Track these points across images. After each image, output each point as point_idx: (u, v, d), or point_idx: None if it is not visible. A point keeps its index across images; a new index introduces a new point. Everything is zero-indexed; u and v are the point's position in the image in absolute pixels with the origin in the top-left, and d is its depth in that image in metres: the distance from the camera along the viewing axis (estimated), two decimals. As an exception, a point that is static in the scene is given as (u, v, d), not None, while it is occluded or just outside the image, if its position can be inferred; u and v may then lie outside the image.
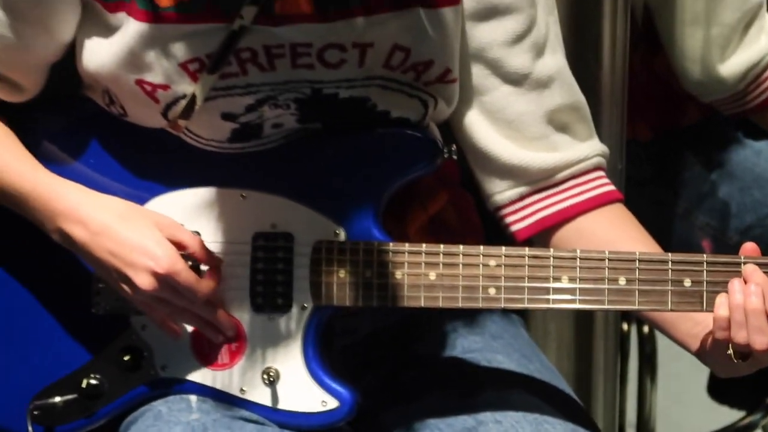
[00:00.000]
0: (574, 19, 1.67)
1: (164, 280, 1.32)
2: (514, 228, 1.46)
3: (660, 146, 1.93)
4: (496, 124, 1.43)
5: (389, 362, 1.50)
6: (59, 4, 1.34)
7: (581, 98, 1.46)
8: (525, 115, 1.42)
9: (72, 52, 1.40)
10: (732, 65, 1.77)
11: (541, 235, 1.46)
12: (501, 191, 1.45)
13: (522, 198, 1.45)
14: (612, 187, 1.46)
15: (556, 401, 1.44)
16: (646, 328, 2.07)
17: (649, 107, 1.90)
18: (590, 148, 1.45)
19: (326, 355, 1.41)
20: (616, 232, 1.43)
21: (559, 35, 1.45)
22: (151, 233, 1.34)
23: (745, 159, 1.92)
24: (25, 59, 1.39)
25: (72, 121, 1.46)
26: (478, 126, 1.43)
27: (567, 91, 1.44)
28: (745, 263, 1.31)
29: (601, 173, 1.46)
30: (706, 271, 1.32)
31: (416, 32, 1.35)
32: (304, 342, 1.39)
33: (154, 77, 1.34)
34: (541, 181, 1.44)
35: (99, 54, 1.36)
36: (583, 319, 1.83)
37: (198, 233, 1.39)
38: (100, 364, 1.42)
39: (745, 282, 1.30)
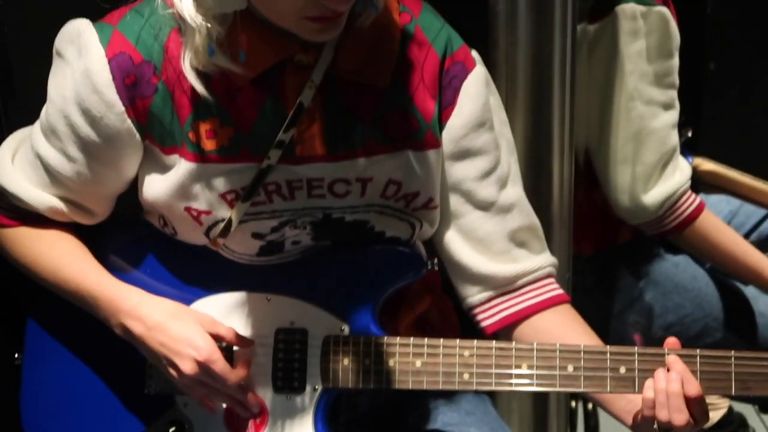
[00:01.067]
0: (531, 159, 1.67)
1: (204, 367, 1.31)
2: (484, 324, 1.45)
3: (600, 260, 1.92)
4: (469, 241, 1.42)
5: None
6: (127, 148, 1.34)
7: (536, 220, 1.47)
8: (492, 235, 1.42)
9: (135, 185, 1.40)
10: (653, 196, 1.77)
11: (505, 330, 1.45)
12: (473, 295, 1.45)
13: (489, 300, 1.44)
14: (561, 291, 1.46)
15: None
16: (590, 405, 2.02)
17: (590, 229, 1.89)
18: (543, 260, 1.45)
19: (333, 428, 1.39)
20: (565, 327, 1.42)
21: (518, 171, 1.46)
22: (195, 329, 1.32)
23: (667, 270, 1.91)
24: (97, 191, 1.39)
25: (134, 239, 1.46)
26: (455, 243, 1.43)
27: (525, 215, 1.45)
28: (668, 354, 1.30)
29: (552, 280, 1.46)
30: (638, 360, 1.31)
31: (406, 169, 1.36)
32: (315, 417, 1.37)
33: (199, 205, 1.34)
34: (504, 286, 1.44)
35: (156, 187, 1.36)
36: (540, 398, 1.81)
37: (232, 328, 1.37)
38: None
39: (668, 370, 1.29)
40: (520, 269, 1.43)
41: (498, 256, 1.43)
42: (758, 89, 2.62)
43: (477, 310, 1.46)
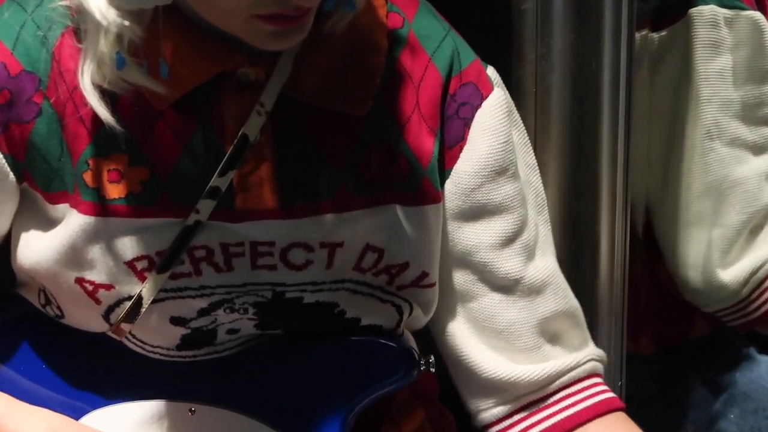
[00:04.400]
0: (569, 221, 1.67)
1: None
2: None
3: (664, 362, 1.94)
4: (482, 334, 1.43)
5: None
6: None
7: (575, 303, 1.47)
8: (516, 325, 1.42)
9: (6, 245, 1.39)
10: (735, 271, 1.79)
11: None
12: (487, 408, 1.44)
13: (510, 415, 1.44)
14: (611, 395, 1.45)
15: None
16: None
17: (652, 318, 1.91)
18: (583, 353, 1.46)
19: None
20: None
21: (549, 236, 1.47)
22: None
23: (759, 377, 1.92)
24: None
25: (1, 323, 1.44)
26: (463, 336, 1.43)
27: (561, 297, 1.45)
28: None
29: (598, 380, 1.46)
30: None
31: (391, 231, 1.35)
32: None
33: (96, 276, 1.33)
34: (531, 394, 1.43)
35: (36, 249, 1.35)
36: None
37: None
38: None
39: None
40: (552, 369, 1.43)
41: (522, 354, 1.43)
42: None
43: (493, 429, 1.45)
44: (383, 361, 1.39)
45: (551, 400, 1.43)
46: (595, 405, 1.43)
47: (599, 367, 1.47)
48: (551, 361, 1.43)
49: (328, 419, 1.37)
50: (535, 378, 1.42)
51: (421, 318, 1.43)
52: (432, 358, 1.41)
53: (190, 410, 1.38)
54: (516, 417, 1.44)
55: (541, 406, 1.43)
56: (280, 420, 1.37)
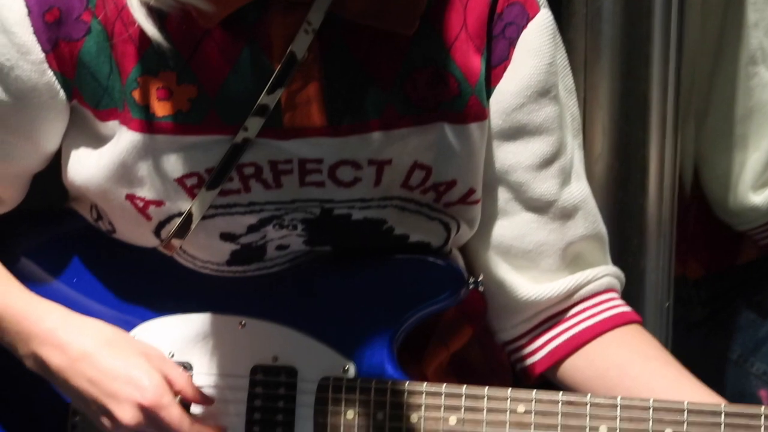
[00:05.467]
0: (619, 143, 1.68)
1: (149, 414, 1.31)
2: (526, 363, 1.46)
3: (713, 285, 1.93)
4: (509, 253, 1.44)
5: None
6: (44, 110, 1.35)
7: (603, 229, 1.48)
8: (543, 246, 1.43)
9: (57, 162, 1.40)
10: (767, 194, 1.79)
11: (554, 370, 1.45)
12: (509, 325, 1.47)
13: (532, 330, 1.46)
14: (627, 309, 1.46)
15: None
16: None
17: (701, 241, 1.89)
18: (600, 269, 1.46)
19: None
20: (630, 351, 1.43)
21: (583, 160, 1.46)
22: (138, 362, 1.32)
23: None
24: (3, 169, 1.40)
25: (54, 237, 1.46)
26: (488, 255, 1.44)
27: (591, 222, 1.46)
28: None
29: (614, 295, 1.47)
30: (765, 426, 1.30)
31: (439, 150, 1.35)
32: None
33: (146, 192, 1.34)
34: (549, 309, 1.45)
35: (87, 166, 1.36)
36: None
37: (190, 365, 1.38)
38: None
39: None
40: (571, 284, 1.44)
41: (545, 275, 1.44)
42: None
43: (515, 345, 1.47)
44: (431, 279, 1.39)
45: (569, 314, 1.45)
46: (612, 317, 1.44)
47: (615, 283, 1.47)
48: (569, 278, 1.44)
49: (376, 336, 1.38)
50: (554, 295, 1.43)
51: (466, 235, 1.43)
52: (481, 277, 1.42)
53: (240, 324, 1.39)
54: (535, 332, 1.45)
55: (559, 320, 1.45)
56: (329, 336, 1.38)
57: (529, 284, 1.44)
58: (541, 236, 1.43)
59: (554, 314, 1.45)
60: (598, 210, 1.47)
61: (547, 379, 1.46)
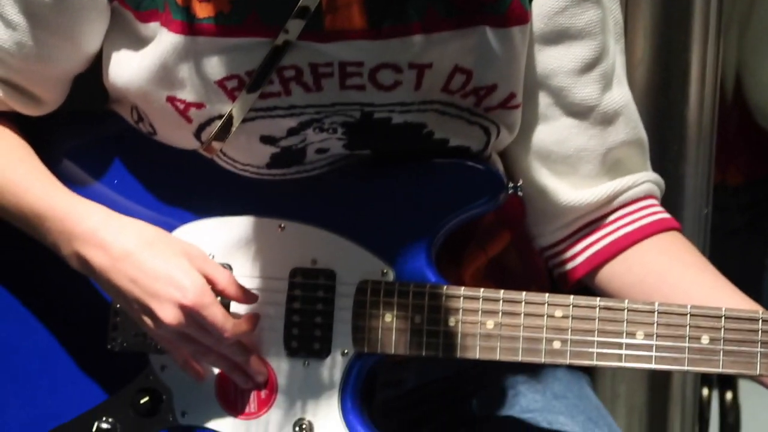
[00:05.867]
0: (660, 46, 1.66)
1: (190, 313, 1.31)
2: (564, 268, 1.47)
3: (752, 192, 1.92)
4: (549, 158, 1.43)
5: (436, 421, 1.49)
6: (85, 11, 1.34)
7: (643, 134, 1.47)
8: (584, 152, 1.43)
9: (98, 63, 1.40)
10: None
11: (592, 275, 1.45)
12: (548, 230, 1.47)
13: (571, 236, 1.46)
14: (666, 215, 1.46)
15: None
16: (729, 395, 2.02)
17: (740, 148, 1.88)
18: (641, 175, 1.46)
19: (366, 409, 1.40)
20: (668, 258, 1.43)
21: (624, 66, 1.45)
22: (179, 262, 1.33)
23: None
24: (45, 70, 1.40)
25: (95, 138, 1.47)
26: (529, 160, 1.44)
27: (632, 128, 1.45)
28: None
29: (653, 201, 1.47)
30: None
31: (480, 53, 1.34)
32: (342, 392, 1.38)
33: (187, 95, 1.34)
34: (589, 215, 1.45)
35: (128, 67, 1.36)
36: (658, 382, 1.82)
37: (229, 267, 1.39)
38: (114, 406, 1.42)
39: None
40: (611, 190, 1.44)
41: (584, 180, 1.44)
42: None
43: (554, 250, 1.47)
44: (471, 183, 1.39)
45: (608, 219, 1.45)
46: (651, 224, 1.44)
47: (655, 189, 1.47)
48: (609, 183, 1.43)
49: (415, 240, 1.38)
50: (594, 201, 1.43)
51: (506, 139, 1.42)
52: (520, 182, 1.42)
53: (280, 227, 1.40)
54: (575, 238, 1.45)
55: (598, 226, 1.45)
56: (368, 239, 1.38)
57: (569, 190, 1.43)
58: (581, 141, 1.42)
59: (594, 220, 1.45)
60: (638, 116, 1.46)
61: (585, 285, 1.46)
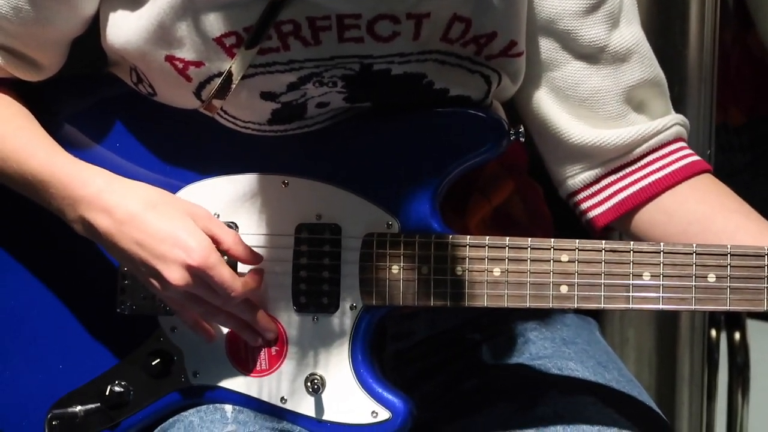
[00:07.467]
0: None
1: (197, 274, 1.32)
2: (592, 214, 1.46)
3: (755, 132, 1.91)
4: (566, 102, 1.42)
5: (448, 369, 1.49)
6: None
7: (661, 73, 1.46)
8: (600, 93, 1.42)
9: (95, 26, 1.40)
10: None
11: (621, 221, 1.45)
12: (574, 175, 1.45)
13: (598, 180, 1.45)
14: (697, 157, 1.45)
15: (635, 415, 1.42)
16: (737, 335, 2.03)
17: (742, 88, 1.88)
18: (668, 118, 1.45)
19: (377, 361, 1.41)
20: (710, 205, 1.42)
21: (635, 3, 1.44)
22: (184, 223, 1.33)
23: None
24: (43, 34, 1.40)
25: (95, 101, 1.46)
26: (547, 105, 1.43)
27: (647, 66, 1.44)
28: None
29: (683, 144, 1.46)
30: None
31: (478, 1, 1.33)
32: (353, 346, 1.38)
33: (186, 53, 1.34)
34: (617, 159, 1.44)
35: (125, 28, 1.36)
36: (666, 325, 1.82)
37: (235, 225, 1.39)
38: (125, 369, 1.43)
39: None
40: (637, 133, 1.43)
41: (607, 122, 1.43)
42: None
43: (580, 195, 1.46)
44: (472, 131, 1.39)
45: (639, 164, 1.44)
46: (684, 167, 1.43)
47: (683, 131, 1.46)
48: (636, 126, 1.43)
49: (418, 190, 1.38)
50: (621, 142, 1.42)
51: (509, 88, 1.42)
52: (522, 128, 1.41)
53: (283, 182, 1.40)
54: (604, 182, 1.44)
55: (629, 170, 1.44)
56: (372, 192, 1.38)
57: (592, 129, 1.42)
58: (595, 82, 1.42)
59: (624, 164, 1.44)
60: (653, 54, 1.44)
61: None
